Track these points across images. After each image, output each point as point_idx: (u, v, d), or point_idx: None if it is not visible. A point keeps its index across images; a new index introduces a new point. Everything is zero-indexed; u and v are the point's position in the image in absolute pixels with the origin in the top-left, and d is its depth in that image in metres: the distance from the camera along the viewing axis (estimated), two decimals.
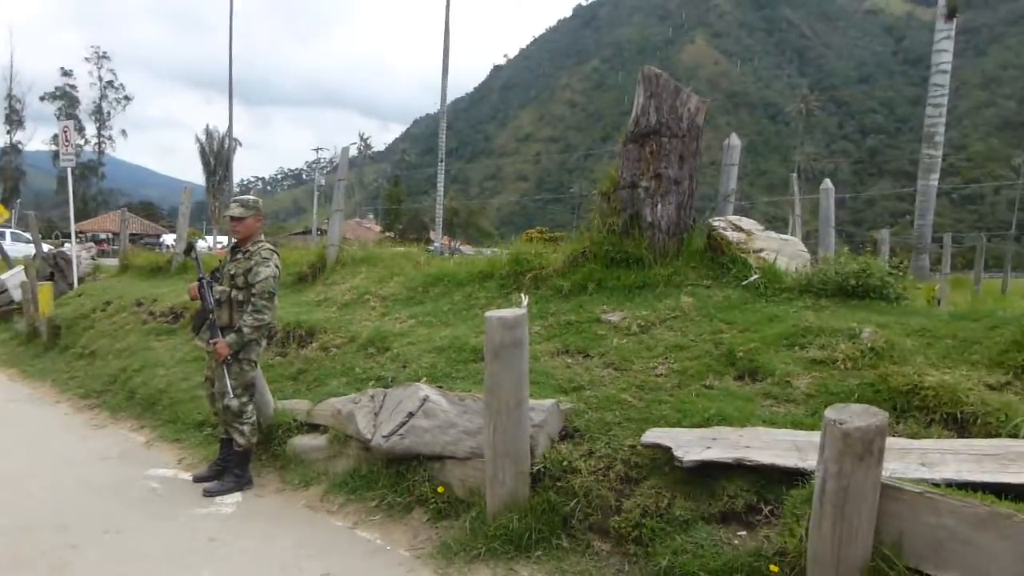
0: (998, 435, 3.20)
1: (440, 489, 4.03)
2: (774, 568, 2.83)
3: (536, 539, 3.48)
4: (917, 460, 3.01)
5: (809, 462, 2.93)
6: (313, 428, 5.06)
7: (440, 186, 29.14)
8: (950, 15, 17.32)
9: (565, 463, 3.68)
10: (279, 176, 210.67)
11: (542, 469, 3.69)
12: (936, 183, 17.66)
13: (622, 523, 3.37)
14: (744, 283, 5.31)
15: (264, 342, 5.02)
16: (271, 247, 4.85)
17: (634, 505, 3.39)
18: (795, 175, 9.36)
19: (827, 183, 8.52)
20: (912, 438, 3.35)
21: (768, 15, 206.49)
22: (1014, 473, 2.77)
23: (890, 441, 3.13)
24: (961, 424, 3.40)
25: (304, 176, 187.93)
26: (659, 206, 5.70)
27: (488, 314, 3.61)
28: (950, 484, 2.73)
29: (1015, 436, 3.11)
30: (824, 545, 2.62)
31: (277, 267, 4.77)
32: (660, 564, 3.08)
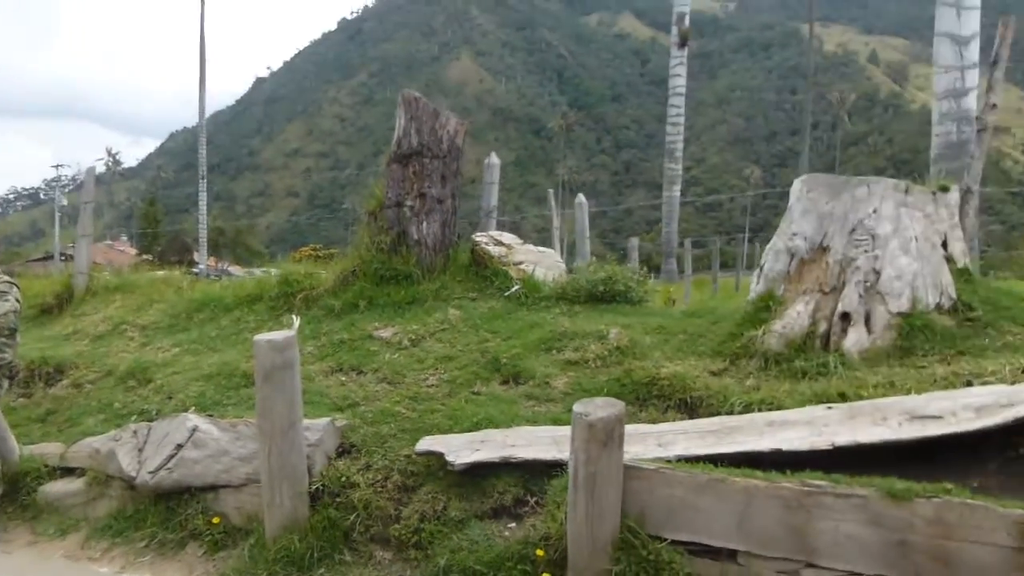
0: (719, 414, 3.72)
1: (216, 520, 3.93)
2: (540, 552, 3.10)
3: (319, 557, 3.53)
4: (655, 442, 3.43)
5: (566, 453, 3.25)
6: (68, 472, 4.70)
7: (203, 204, 27.64)
8: (682, 43, 19.35)
9: (343, 479, 3.75)
10: (11, 196, 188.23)
11: (321, 487, 3.74)
12: (679, 194, 19.62)
13: (402, 530, 3.51)
14: (506, 294, 5.68)
15: (5, 383, 4.60)
16: (8, 279, 4.48)
17: (412, 512, 3.54)
18: (551, 191, 10.11)
19: (581, 198, 9.27)
20: (652, 423, 3.80)
21: (528, 36, 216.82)
22: (728, 444, 3.25)
23: (633, 428, 3.54)
24: (691, 407, 3.90)
25: (42, 195, 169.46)
26: (424, 224, 5.95)
27: (257, 338, 3.61)
28: (680, 459, 3.16)
29: (731, 413, 3.64)
30: (580, 525, 2.93)
31: (17, 300, 4.41)
32: (439, 564, 3.25)
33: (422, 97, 6.02)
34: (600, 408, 2.92)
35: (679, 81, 19.37)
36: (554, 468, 3.36)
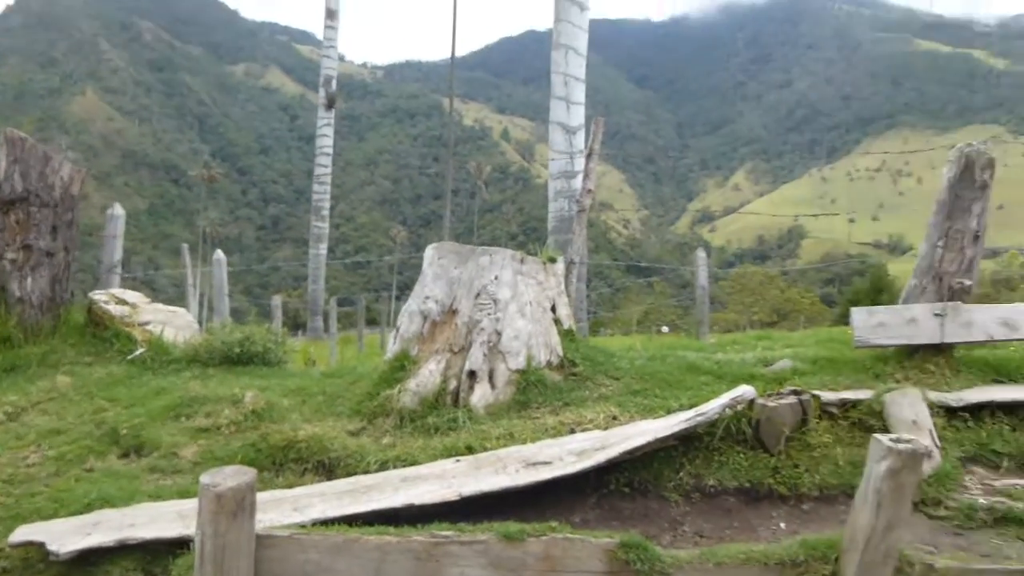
0: (356, 474, 3.78)
1: None
2: None
3: None
4: (291, 507, 3.37)
5: (193, 529, 3.05)
6: None
7: None
8: (329, 105, 19.68)
9: None
10: None
11: None
12: (325, 251, 19.68)
13: None
14: (129, 358, 5.21)
15: None
16: None
17: None
18: (185, 246, 9.55)
19: (219, 254, 8.89)
20: (289, 488, 3.73)
21: (167, 78, 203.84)
22: (364, 503, 3.32)
23: (268, 494, 3.45)
24: (329, 469, 3.91)
25: None
26: (29, 280, 5.25)
27: None
28: (317, 523, 3.14)
29: (367, 472, 3.73)
30: None
31: None
32: None
33: (28, 138, 5.34)
34: (230, 477, 2.80)
35: (326, 141, 19.64)
36: (181, 546, 3.13)
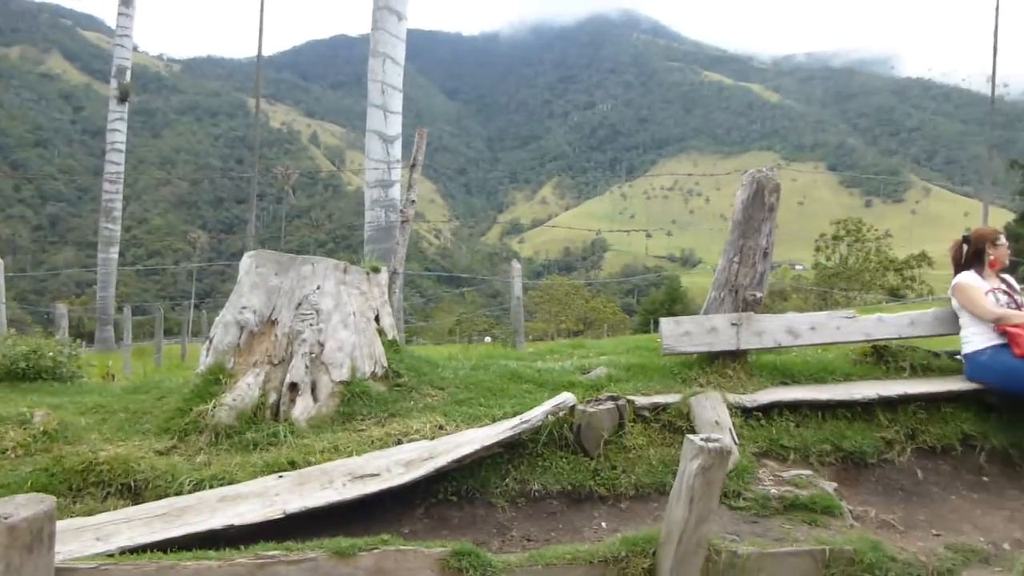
0: (167, 495, 3.53)
1: None
2: None
3: None
4: (93, 536, 3.09)
5: None
6: None
7: None
8: (123, 98, 18.26)
9: None
10: None
11: None
12: (116, 255, 18.20)
13: None
14: None
15: None
16: None
17: None
18: None
19: None
20: (89, 515, 3.41)
21: None
22: (179, 527, 3.11)
23: (67, 523, 3.13)
24: (136, 492, 3.61)
25: None
26: None
27: None
28: (125, 551, 2.90)
29: (180, 493, 3.49)
30: None
31: None
32: None
33: None
34: (23, 506, 2.52)
35: (119, 136, 18.21)
36: None
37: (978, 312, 4.66)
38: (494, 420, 4.02)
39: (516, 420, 3.80)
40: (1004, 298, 4.74)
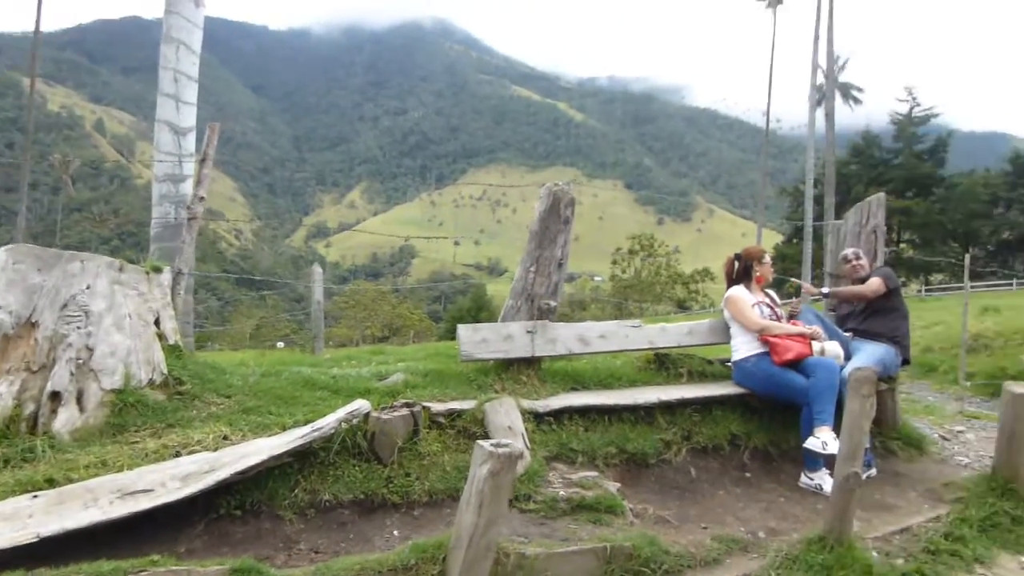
0: None
1: None
2: None
3: None
4: None
5: None
6: None
7: None
8: None
9: None
10: None
11: None
12: None
13: None
14: None
15: None
16: None
17: None
18: None
19: None
20: None
21: None
22: None
23: None
24: None
25: None
26: None
27: None
28: None
29: None
30: None
31: None
32: None
33: None
34: None
35: None
36: None
37: (745, 323, 5.10)
38: (284, 429, 3.86)
39: (307, 428, 3.67)
40: (768, 311, 5.23)
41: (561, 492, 4.00)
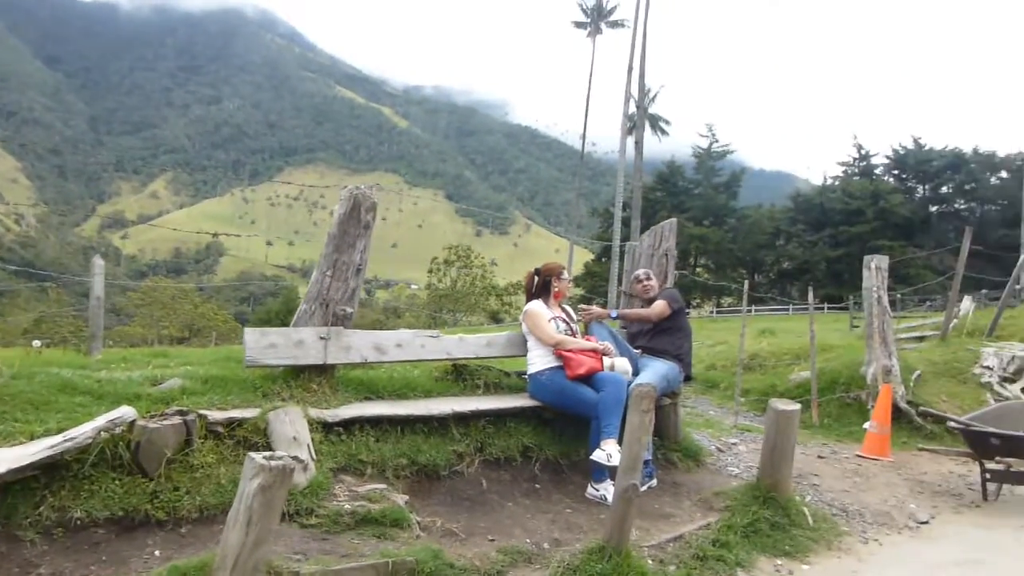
0: None
1: None
2: None
3: None
4: None
5: None
6: None
7: None
8: None
9: None
10: None
11: None
12: None
13: None
14: None
15: None
16: None
17: None
18: None
19: None
20: None
21: None
22: None
23: None
24: None
25: None
26: None
27: None
28: None
29: None
30: None
31: None
32: None
33: None
34: None
35: None
36: None
37: (541, 337, 5.21)
38: (32, 438, 3.45)
39: (59, 438, 3.30)
40: (563, 326, 5.37)
41: (346, 505, 3.86)
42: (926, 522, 5.47)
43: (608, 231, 50.89)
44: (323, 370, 4.57)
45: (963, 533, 5.27)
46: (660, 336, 5.68)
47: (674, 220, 6.63)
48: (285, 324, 5.09)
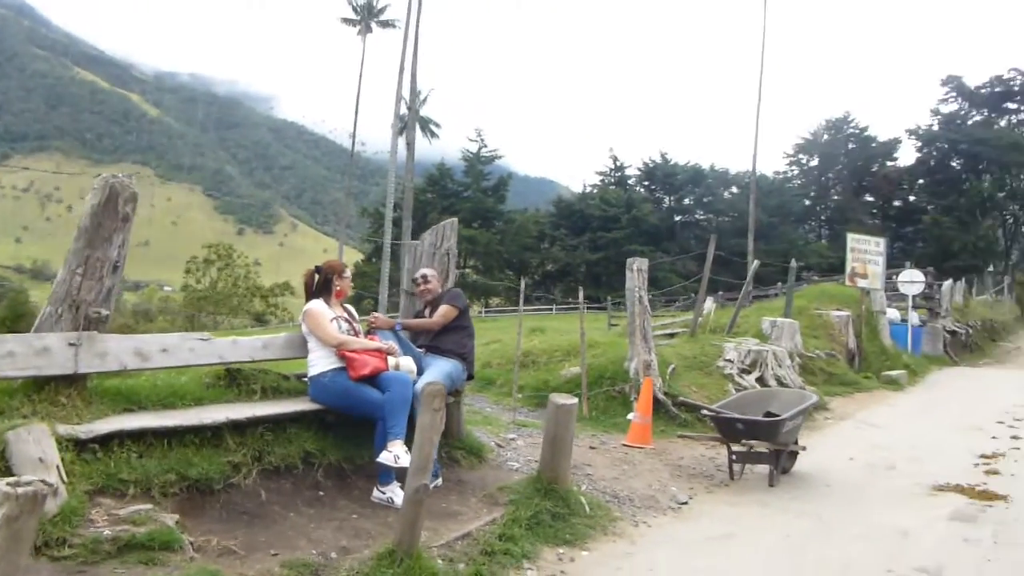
0: None
1: None
2: None
3: None
4: None
5: None
6: None
7: None
8: None
9: None
10: None
11: None
12: None
13: None
14: None
15: None
16: None
17: None
18: None
19: None
20: None
21: None
22: None
23: None
24: None
25: None
26: None
27: None
28: None
29: None
30: None
31: None
32: None
33: None
34: None
35: None
36: None
37: (323, 337, 5.00)
38: None
39: None
40: (346, 326, 5.19)
41: (106, 531, 3.45)
42: (685, 503, 5.96)
43: (379, 231, 50.57)
44: (73, 380, 4.04)
45: (716, 510, 5.79)
46: (444, 335, 5.68)
47: (454, 220, 6.68)
48: (14, 331, 4.45)
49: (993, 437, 8.93)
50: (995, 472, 7.10)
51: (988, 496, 6.19)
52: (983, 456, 7.81)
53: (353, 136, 52.77)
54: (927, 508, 5.90)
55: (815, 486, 6.56)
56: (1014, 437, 8.98)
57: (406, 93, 39.56)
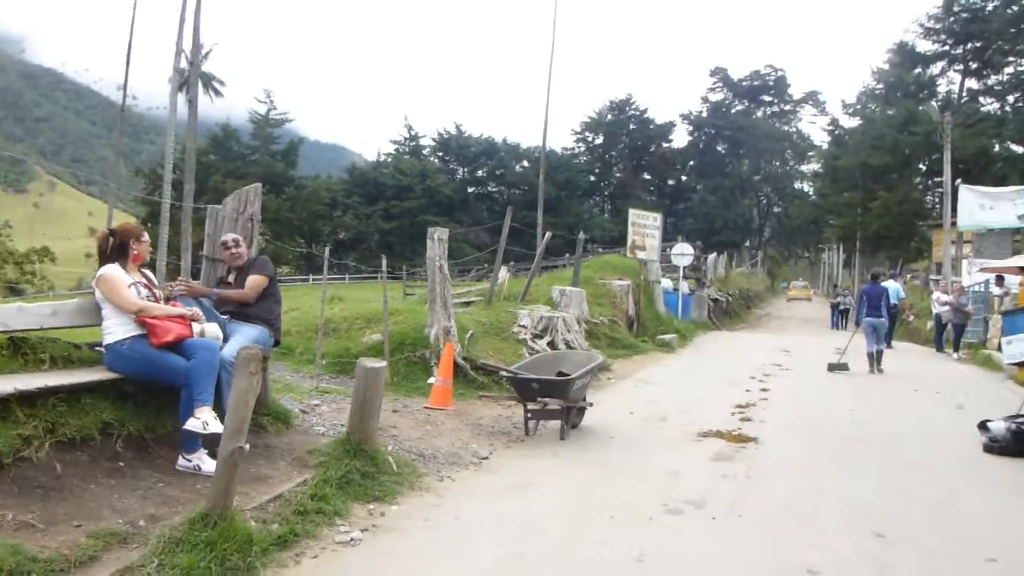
0: None
1: None
2: None
3: None
4: None
5: None
6: None
7: None
8: None
9: None
10: None
11: None
12: None
13: None
14: None
15: None
16: None
17: None
18: None
19: None
20: None
21: None
22: None
23: None
24: None
25: None
26: None
27: None
28: None
29: None
30: None
31: None
32: None
33: None
34: None
35: None
36: None
37: (121, 303, 4.79)
38: None
39: None
40: (145, 291, 5.00)
41: None
42: (486, 458, 6.37)
43: (155, 193, 46.99)
44: None
45: (514, 463, 6.25)
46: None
47: (258, 185, 6.57)
48: None
49: (747, 390, 10.25)
50: (748, 419, 8.20)
51: (742, 439, 7.18)
52: (738, 406, 8.97)
53: (125, 89, 48.10)
54: (694, 451, 6.74)
55: (601, 438, 7.23)
56: (763, 390, 10.36)
57: (187, 46, 36.88)
